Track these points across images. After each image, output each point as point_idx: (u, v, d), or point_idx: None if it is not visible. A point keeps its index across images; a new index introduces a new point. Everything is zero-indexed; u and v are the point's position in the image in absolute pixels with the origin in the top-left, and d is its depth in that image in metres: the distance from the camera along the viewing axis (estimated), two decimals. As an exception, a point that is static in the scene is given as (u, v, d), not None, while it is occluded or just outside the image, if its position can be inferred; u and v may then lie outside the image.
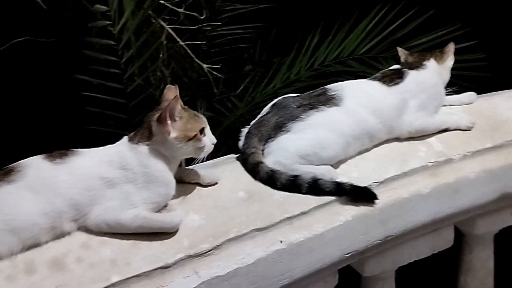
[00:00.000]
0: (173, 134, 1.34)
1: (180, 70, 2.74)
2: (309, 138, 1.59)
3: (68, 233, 1.30)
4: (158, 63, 2.60)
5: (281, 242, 1.41)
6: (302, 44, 2.87)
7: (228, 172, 1.57)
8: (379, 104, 1.69)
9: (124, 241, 1.31)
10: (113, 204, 1.31)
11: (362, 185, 1.55)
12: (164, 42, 2.59)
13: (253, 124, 1.66)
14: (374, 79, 1.78)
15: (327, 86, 1.72)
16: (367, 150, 1.70)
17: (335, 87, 1.71)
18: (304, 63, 2.83)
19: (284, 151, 1.57)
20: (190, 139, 1.37)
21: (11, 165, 1.30)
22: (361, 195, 1.55)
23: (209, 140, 1.42)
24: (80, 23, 2.44)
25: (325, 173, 1.56)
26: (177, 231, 1.35)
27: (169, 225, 1.34)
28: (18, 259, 1.23)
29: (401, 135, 1.74)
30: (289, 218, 1.45)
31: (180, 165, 1.48)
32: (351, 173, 1.62)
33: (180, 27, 2.62)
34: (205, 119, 1.44)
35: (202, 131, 1.40)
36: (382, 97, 1.71)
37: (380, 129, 1.69)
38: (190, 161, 1.54)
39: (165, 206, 1.40)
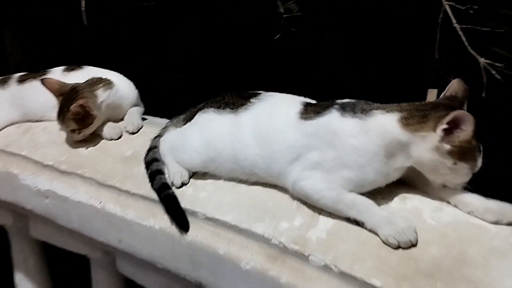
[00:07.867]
0: None
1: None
2: (183, 132, 1.44)
3: None
4: None
5: (100, 203, 1.49)
6: None
7: (153, 133, 1.59)
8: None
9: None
10: None
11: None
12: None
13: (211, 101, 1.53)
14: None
15: (268, 93, 1.39)
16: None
17: (265, 95, 1.36)
18: None
19: (167, 135, 1.50)
20: None
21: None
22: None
23: None
24: None
25: (174, 172, 1.40)
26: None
27: None
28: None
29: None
30: (115, 188, 1.49)
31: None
32: (199, 193, 1.38)
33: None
34: None
35: None
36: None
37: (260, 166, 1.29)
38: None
39: None
